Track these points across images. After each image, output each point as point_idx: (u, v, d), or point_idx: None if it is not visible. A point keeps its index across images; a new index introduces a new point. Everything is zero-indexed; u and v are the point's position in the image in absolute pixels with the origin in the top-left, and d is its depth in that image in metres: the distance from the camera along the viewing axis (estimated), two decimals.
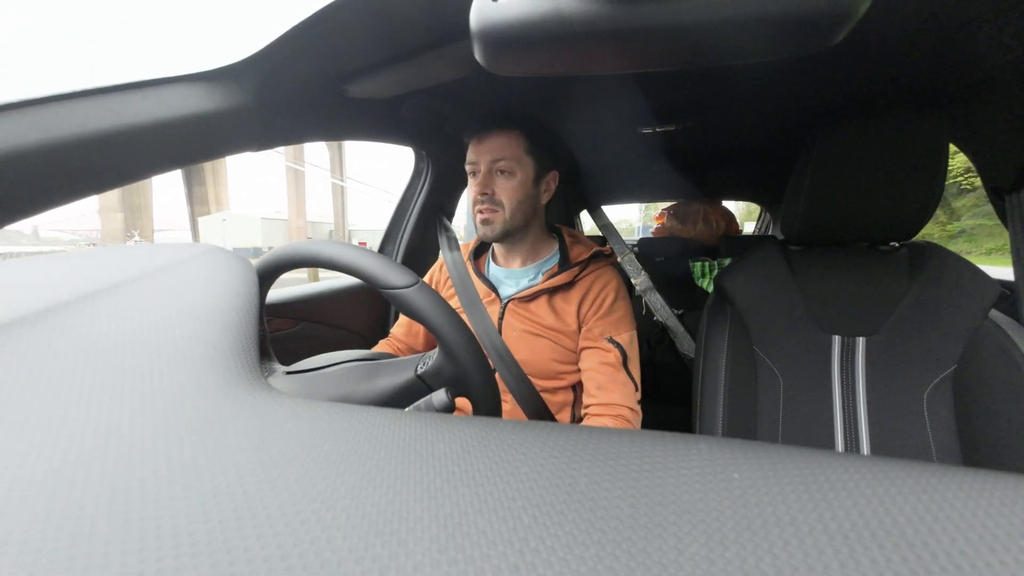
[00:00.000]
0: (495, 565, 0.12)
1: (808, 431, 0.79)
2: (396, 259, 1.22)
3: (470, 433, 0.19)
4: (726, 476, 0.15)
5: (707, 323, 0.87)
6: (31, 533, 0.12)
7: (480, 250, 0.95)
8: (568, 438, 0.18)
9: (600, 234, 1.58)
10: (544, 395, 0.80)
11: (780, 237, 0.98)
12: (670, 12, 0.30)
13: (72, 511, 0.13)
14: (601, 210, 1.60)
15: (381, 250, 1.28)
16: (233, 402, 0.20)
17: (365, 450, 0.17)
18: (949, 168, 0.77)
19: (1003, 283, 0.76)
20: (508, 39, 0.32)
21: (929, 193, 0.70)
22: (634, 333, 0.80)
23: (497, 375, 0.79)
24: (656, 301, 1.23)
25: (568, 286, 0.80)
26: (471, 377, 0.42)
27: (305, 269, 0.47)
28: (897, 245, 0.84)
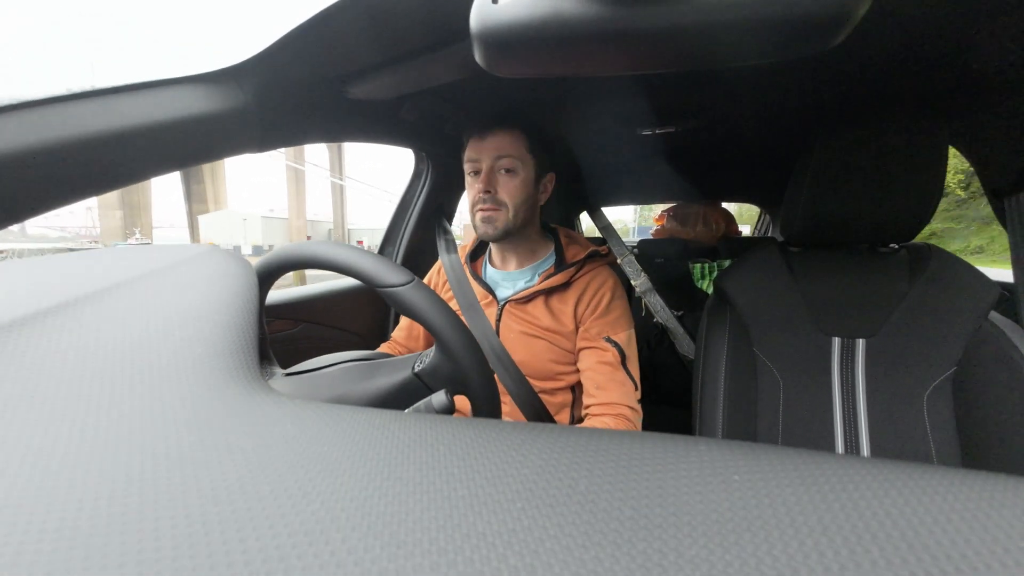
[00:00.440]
0: (495, 567, 0.12)
1: (808, 433, 0.79)
2: (396, 260, 1.22)
3: (470, 435, 0.19)
4: (726, 478, 0.15)
5: (707, 325, 0.87)
6: (30, 535, 0.12)
7: (477, 253, 0.95)
8: (568, 440, 0.18)
9: (599, 235, 1.59)
10: (543, 396, 0.80)
11: (779, 239, 0.98)
12: (670, 14, 0.30)
13: (71, 512, 0.13)
14: (601, 212, 1.60)
15: (381, 251, 1.28)
16: (233, 403, 0.20)
17: (365, 451, 0.17)
18: None
19: (1003, 285, 0.76)
20: (508, 41, 0.33)
21: (929, 195, 0.70)
22: (632, 332, 0.80)
23: (496, 377, 0.79)
24: (656, 302, 1.23)
25: (564, 287, 0.80)
26: (469, 375, 0.42)
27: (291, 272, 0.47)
28: (896, 247, 0.84)
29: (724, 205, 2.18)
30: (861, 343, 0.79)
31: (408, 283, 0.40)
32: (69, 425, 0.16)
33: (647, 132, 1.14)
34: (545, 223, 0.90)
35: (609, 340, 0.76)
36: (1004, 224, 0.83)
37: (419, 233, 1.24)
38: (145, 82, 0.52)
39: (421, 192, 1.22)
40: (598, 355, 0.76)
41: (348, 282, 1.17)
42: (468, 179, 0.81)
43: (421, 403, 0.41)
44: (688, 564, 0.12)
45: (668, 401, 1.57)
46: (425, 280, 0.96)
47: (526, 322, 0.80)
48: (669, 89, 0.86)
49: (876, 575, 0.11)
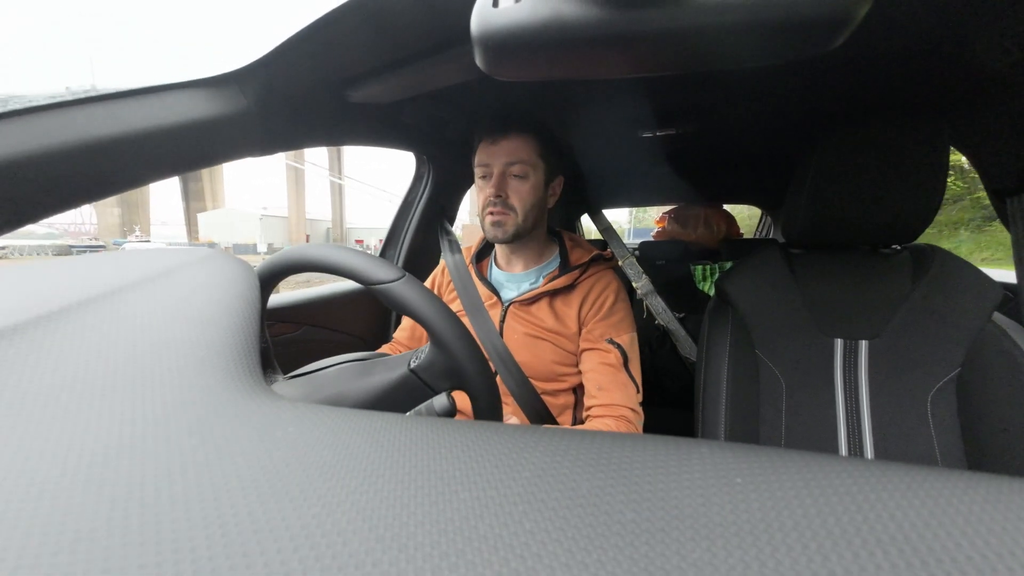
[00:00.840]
0: (497, 571, 0.12)
1: (811, 435, 0.79)
2: (398, 263, 1.22)
3: (471, 437, 0.19)
4: (729, 480, 0.15)
5: (709, 327, 0.87)
6: (32, 539, 0.12)
7: (482, 254, 0.95)
8: (570, 442, 0.18)
9: (600, 237, 1.59)
10: (545, 397, 0.80)
11: (781, 240, 0.98)
12: (670, 17, 0.31)
13: (72, 517, 0.13)
14: (602, 214, 1.60)
15: (383, 254, 1.28)
16: (234, 406, 0.20)
17: (366, 454, 0.17)
18: None
19: (1006, 286, 0.76)
20: (509, 44, 0.33)
21: (931, 196, 0.70)
22: (634, 335, 0.80)
23: (498, 378, 0.79)
24: (657, 305, 1.23)
25: (569, 289, 0.80)
26: (465, 368, 0.41)
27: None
28: (899, 248, 0.83)
29: (725, 207, 2.18)
30: (864, 345, 0.79)
31: (399, 279, 0.41)
32: (71, 429, 0.16)
33: (648, 134, 1.14)
34: (550, 227, 0.91)
35: (612, 342, 0.76)
36: (1007, 225, 0.82)
37: (420, 236, 1.25)
38: (148, 87, 0.52)
39: (422, 195, 1.23)
40: (600, 356, 0.76)
41: (349, 285, 1.17)
42: (479, 182, 0.81)
43: (422, 406, 0.41)
44: (691, 568, 0.12)
45: (670, 403, 1.57)
46: (429, 280, 0.97)
47: (530, 323, 0.80)
48: (670, 91, 0.87)
49: None
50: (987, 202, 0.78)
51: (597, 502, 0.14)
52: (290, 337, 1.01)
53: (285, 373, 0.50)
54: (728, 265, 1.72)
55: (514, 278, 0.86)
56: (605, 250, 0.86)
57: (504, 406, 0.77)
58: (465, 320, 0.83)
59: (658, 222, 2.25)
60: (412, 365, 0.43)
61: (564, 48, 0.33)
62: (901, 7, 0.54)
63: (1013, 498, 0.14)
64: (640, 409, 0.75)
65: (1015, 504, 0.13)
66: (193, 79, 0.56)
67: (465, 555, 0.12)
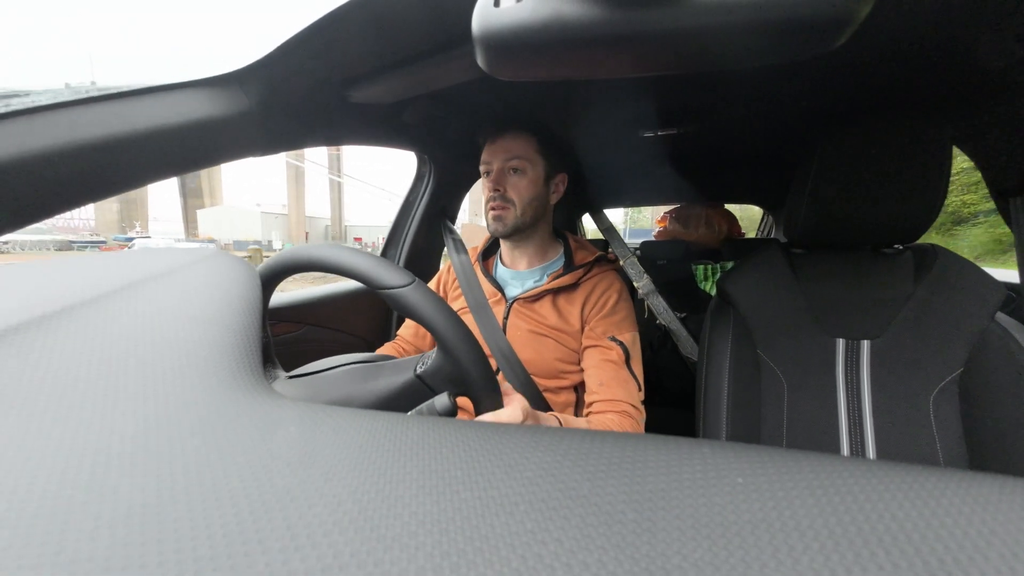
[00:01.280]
0: (498, 570, 0.12)
1: (813, 435, 0.78)
2: (399, 263, 1.22)
3: (473, 437, 0.19)
4: (730, 480, 0.15)
5: (710, 326, 0.87)
6: (36, 537, 0.12)
7: (489, 252, 0.97)
8: (571, 442, 0.18)
9: (600, 237, 1.59)
10: (547, 395, 0.80)
11: (783, 240, 0.98)
12: (671, 16, 0.30)
13: (75, 515, 0.13)
14: (603, 213, 1.60)
15: (384, 254, 1.28)
16: (236, 406, 0.20)
17: (367, 454, 0.17)
18: None
19: (1009, 286, 0.76)
20: (510, 44, 0.33)
21: (933, 196, 0.70)
22: (636, 335, 0.80)
23: (501, 375, 0.79)
24: (659, 304, 1.23)
25: (572, 287, 0.82)
26: (470, 375, 0.42)
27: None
28: (901, 248, 0.83)
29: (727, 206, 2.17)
30: (866, 345, 0.79)
31: (408, 284, 0.41)
32: (73, 429, 0.16)
33: (649, 134, 1.14)
34: (556, 228, 0.92)
35: (614, 339, 0.77)
36: (1010, 225, 0.82)
37: (422, 236, 1.25)
38: (150, 87, 0.52)
39: (423, 195, 1.23)
40: (602, 353, 0.76)
41: (351, 284, 1.17)
42: (483, 180, 0.85)
43: (424, 405, 0.41)
44: (692, 568, 0.12)
45: (671, 403, 1.56)
46: (434, 280, 0.99)
47: (534, 320, 0.81)
48: (671, 91, 0.86)
49: None
50: (952, 208, 0.78)
51: (599, 502, 0.14)
52: (292, 336, 1.01)
53: (286, 372, 0.50)
54: (729, 265, 1.72)
55: (519, 275, 0.88)
56: (607, 250, 0.87)
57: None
58: (468, 318, 0.83)
59: (659, 222, 2.25)
60: (419, 371, 0.43)
61: (565, 48, 0.33)
62: (903, 7, 0.54)
63: (1016, 499, 0.14)
64: (642, 407, 0.75)
65: (1017, 504, 0.13)
66: (195, 79, 0.57)
67: (467, 554, 0.12)
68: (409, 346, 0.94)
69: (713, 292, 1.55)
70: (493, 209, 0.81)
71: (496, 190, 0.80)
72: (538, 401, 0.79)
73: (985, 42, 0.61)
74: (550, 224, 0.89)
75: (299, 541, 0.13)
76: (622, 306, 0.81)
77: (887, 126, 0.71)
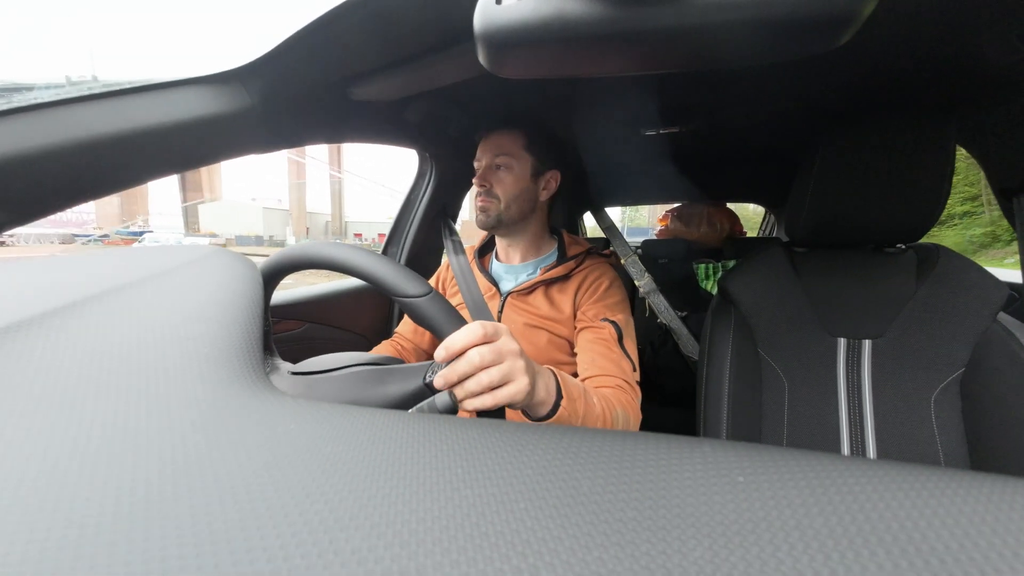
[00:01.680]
0: (498, 567, 0.12)
1: (813, 434, 0.78)
2: (400, 261, 1.23)
3: (473, 435, 0.19)
4: (730, 479, 0.15)
5: (711, 325, 0.86)
6: (39, 530, 0.12)
7: (485, 249, 0.98)
8: (572, 440, 0.18)
9: (602, 236, 1.58)
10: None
11: (784, 239, 0.98)
12: (673, 14, 0.30)
13: (79, 509, 0.13)
14: (604, 212, 1.60)
15: (385, 251, 1.28)
16: (237, 402, 0.20)
17: (368, 451, 0.17)
18: None
19: (1011, 286, 0.76)
20: (511, 41, 0.33)
21: (936, 195, 0.70)
22: (630, 318, 0.80)
23: None
24: (660, 303, 1.22)
25: (565, 278, 0.83)
26: None
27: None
28: (903, 247, 0.83)
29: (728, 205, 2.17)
30: (867, 344, 0.79)
31: (426, 295, 0.41)
32: (77, 424, 0.16)
33: (651, 132, 1.13)
34: (554, 227, 0.93)
35: (606, 320, 0.77)
36: (1013, 224, 0.82)
37: (423, 234, 1.25)
38: (153, 84, 0.52)
39: (424, 193, 1.23)
40: (594, 333, 0.77)
41: (352, 282, 1.17)
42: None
43: (424, 403, 0.41)
44: (692, 565, 0.12)
45: (672, 402, 1.56)
46: (434, 277, 1.00)
47: (527, 313, 0.83)
48: (673, 89, 0.86)
49: None
50: None
51: (599, 500, 0.14)
52: (294, 335, 1.01)
53: (291, 366, 0.50)
54: (731, 264, 1.72)
55: (512, 269, 0.90)
56: (607, 248, 0.87)
57: None
58: (465, 313, 0.84)
59: (661, 220, 2.24)
60: (428, 379, 0.43)
61: (567, 46, 0.32)
62: (907, 4, 0.53)
63: (1016, 499, 0.14)
64: (637, 386, 0.73)
65: (1018, 504, 0.13)
66: (197, 76, 0.57)
67: (467, 551, 0.12)
68: (408, 343, 0.94)
69: (714, 291, 1.55)
70: (479, 202, 0.84)
71: (482, 185, 0.83)
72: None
73: (989, 40, 0.60)
74: (543, 220, 0.90)
75: (300, 536, 0.13)
76: (614, 291, 0.81)
77: (890, 124, 0.70)
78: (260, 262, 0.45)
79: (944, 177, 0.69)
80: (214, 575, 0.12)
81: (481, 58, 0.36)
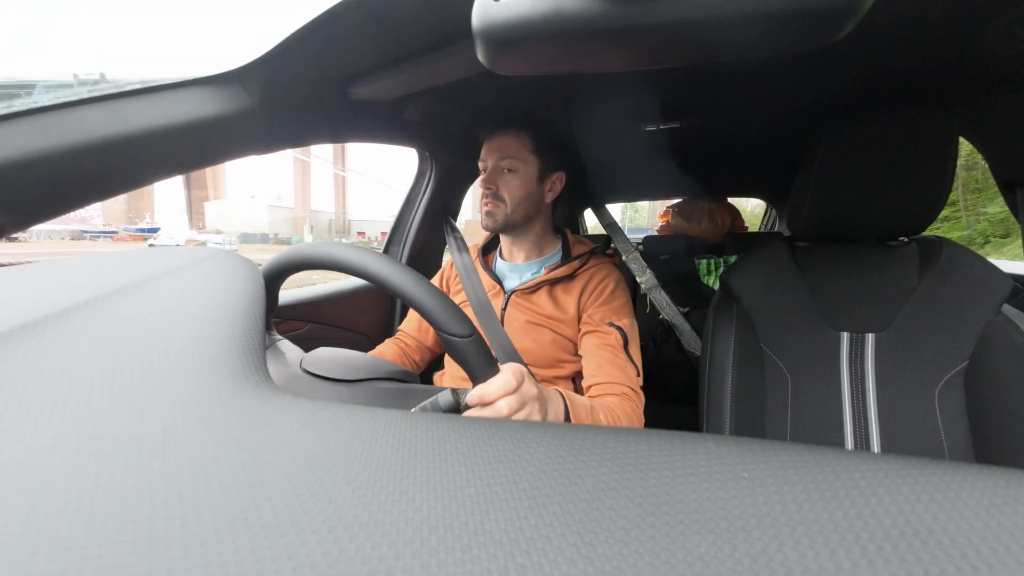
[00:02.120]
0: (502, 565, 0.12)
1: (817, 429, 0.78)
2: (401, 260, 1.23)
3: (476, 433, 0.19)
4: (735, 475, 0.15)
5: (713, 321, 0.86)
6: (39, 533, 0.12)
7: (489, 247, 0.99)
8: (574, 437, 0.18)
9: (603, 232, 1.58)
10: (545, 385, 0.81)
11: (786, 234, 0.98)
12: (672, 9, 0.30)
13: (81, 512, 0.13)
14: (605, 209, 1.59)
15: (387, 251, 1.28)
16: (240, 403, 0.20)
17: (371, 451, 0.17)
18: None
19: (1015, 277, 0.75)
20: (510, 38, 0.32)
21: (939, 187, 0.69)
22: (634, 322, 0.81)
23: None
24: (661, 299, 1.22)
25: (569, 278, 0.83)
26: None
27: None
28: (906, 240, 0.83)
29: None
30: (871, 338, 0.78)
31: (469, 336, 0.41)
32: (80, 426, 0.16)
33: (651, 128, 1.13)
34: (558, 227, 0.93)
35: (612, 325, 0.78)
36: (1017, 216, 0.81)
37: (424, 232, 1.25)
38: (151, 86, 0.52)
39: (425, 192, 1.23)
40: (600, 338, 0.77)
41: (355, 282, 1.18)
42: (480, 177, 0.87)
43: (427, 402, 0.41)
44: (697, 562, 0.12)
45: (675, 398, 1.56)
46: (437, 276, 1.00)
47: (531, 311, 0.83)
48: (673, 85, 0.86)
49: (889, 573, 0.11)
50: None
51: (602, 497, 0.14)
52: (296, 335, 1.02)
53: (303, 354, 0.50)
54: (733, 259, 1.71)
55: (516, 268, 0.90)
56: (608, 246, 0.88)
57: None
58: (469, 311, 0.85)
59: (662, 216, 2.24)
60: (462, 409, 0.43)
61: (566, 41, 0.32)
62: None
63: (1022, 491, 0.14)
64: (641, 392, 0.75)
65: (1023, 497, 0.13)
66: (196, 77, 0.57)
67: (471, 550, 0.12)
68: (412, 340, 0.95)
69: (716, 287, 1.55)
70: (485, 205, 0.84)
71: (489, 188, 0.82)
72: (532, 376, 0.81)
73: (992, 30, 0.60)
74: (548, 220, 0.90)
75: (304, 537, 0.13)
76: (619, 293, 0.82)
77: (892, 117, 0.70)
78: (352, 256, 0.42)
79: (946, 169, 0.69)
80: None
81: (480, 55, 0.35)
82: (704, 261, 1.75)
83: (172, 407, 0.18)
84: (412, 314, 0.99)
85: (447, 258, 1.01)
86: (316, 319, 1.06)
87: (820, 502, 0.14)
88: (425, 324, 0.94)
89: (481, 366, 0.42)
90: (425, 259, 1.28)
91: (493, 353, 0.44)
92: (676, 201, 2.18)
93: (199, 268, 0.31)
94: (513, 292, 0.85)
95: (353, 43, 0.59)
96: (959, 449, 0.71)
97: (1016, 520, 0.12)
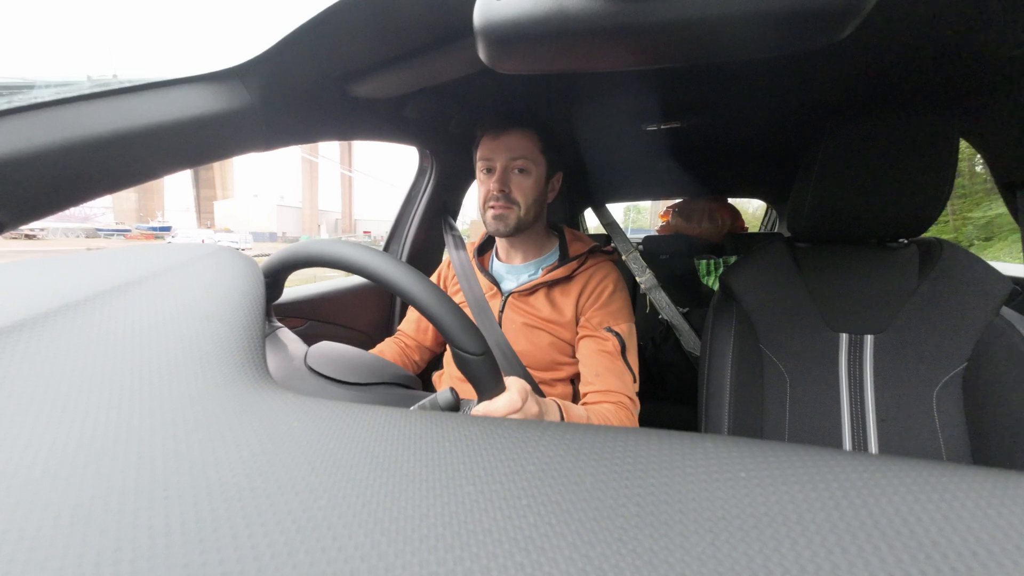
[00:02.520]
0: (501, 564, 0.12)
1: (815, 430, 0.78)
2: (401, 258, 1.23)
3: (475, 432, 0.19)
4: (733, 475, 0.15)
5: (713, 321, 0.86)
6: (39, 530, 0.12)
7: (484, 248, 0.97)
8: (573, 437, 0.18)
9: (604, 232, 1.58)
10: (543, 387, 0.81)
11: (786, 234, 0.98)
12: (674, 8, 0.30)
13: (81, 509, 0.13)
14: (606, 208, 1.59)
15: (387, 248, 1.28)
16: (240, 400, 0.20)
17: (371, 449, 0.17)
18: None
19: (1014, 279, 0.75)
20: (511, 36, 0.32)
21: (939, 189, 0.69)
22: (632, 326, 0.80)
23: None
24: (661, 299, 1.22)
25: (567, 280, 0.82)
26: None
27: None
28: (906, 242, 0.83)
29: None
30: (869, 339, 0.78)
31: (482, 355, 0.41)
32: (79, 423, 0.16)
33: (652, 128, 1.13)
34: (555, 223, 0.92)
35: (610, 330, 0.77)
36: (1016, 218, 0.81)
37: (424, 230, 1.25)
38: (152, 82, 0.52)
39: (425, 190, 1.23)
40: (598, 343, 0.76)
41: (355, 280, 1.18)
42: (480, 176, 0.83)
43: (426, 400, 0.41)
44: (695, 562, 0.12)
45: (673, 398, 1.57)
46: (434, 276, 0.99)
47: (528, 313, 0.82)
48: (674, 84, 0.86)
49: (886, 573, 0.11)
50: None
51: (601, 496, 0.14)
52: (296, 332, 1.01)
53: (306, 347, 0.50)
54: (732, 259, 1.71)
55: (514, 270, 0.88)
56: (607, 245, 0.87)
57: None
58: (467, 311, 0.84)
59: (662, 216, 2.24)
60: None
61: (567, 40, 0.32)
62: None
63: (1020, 493, 0.14)
64: (637, 399, 0.74)
65: (1021, 499, 0.13)
66: (197, 74, 0.56)
67: (469, 548, 0.12)
68: (411, 340, 0.94)
69: (716, 287, 1.55)
70: (494, 208, 0.78)
71: (501, 190, 0.77)
72: (535, 394, 0.80)
73: (994, 31, 0.60)
74: (545, 220, 0.89)
75: (303, 534, 0.13)
76: (618, 296, 0.80)
77: (893, 119, 0.70)
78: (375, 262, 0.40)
79: (947, 171, 0.69)
80: (218, 573, 0.12)
81: (481, 53, 0.35)
82: (704, 261, 1.75)
83: (171, 403, 0.18)
84: (411, 314, 0.98)
85: (445, 257, 1.00)
86: (316, 316, 1.06)
87: (817, 502, 0.14)
88: (424, 324, 0.94)
89: (489, 384, 0.42)
90: (425, 256, 1.28)
91: (501, 372, 0.44)
92: (676, 201, 2.18)
93: (198, 265, 0.31)
94: (510, 294, 0.84)
95: (354, 40, 0.59)
96: (957, 450, 0.71)
97: (1012, 521, 0.12)
